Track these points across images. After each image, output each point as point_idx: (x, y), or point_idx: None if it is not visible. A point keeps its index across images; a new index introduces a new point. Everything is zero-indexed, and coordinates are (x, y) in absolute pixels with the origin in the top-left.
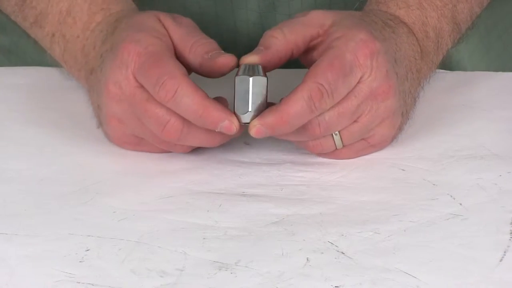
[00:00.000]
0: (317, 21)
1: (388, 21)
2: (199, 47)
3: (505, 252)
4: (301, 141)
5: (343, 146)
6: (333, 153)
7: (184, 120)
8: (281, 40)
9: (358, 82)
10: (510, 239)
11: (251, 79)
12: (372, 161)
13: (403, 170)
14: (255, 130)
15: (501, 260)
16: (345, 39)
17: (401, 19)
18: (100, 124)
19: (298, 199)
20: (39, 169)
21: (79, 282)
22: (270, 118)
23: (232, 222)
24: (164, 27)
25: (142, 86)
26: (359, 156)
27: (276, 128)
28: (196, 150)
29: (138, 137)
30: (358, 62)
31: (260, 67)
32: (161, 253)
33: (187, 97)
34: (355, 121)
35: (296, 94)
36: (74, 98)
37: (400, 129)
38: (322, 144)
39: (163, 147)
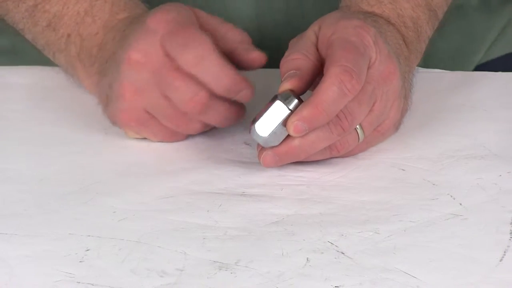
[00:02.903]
0: (312, 35)
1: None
2: (234, 34)
3: (505, 252)
4: (329, 150)
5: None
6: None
7: (210, 94)
8: (305, 59)
9: (368, 67)
10: (510, 239)
11: (277, 102)
12: (372, 161)
13: (403, 170)
14: (293, 127)
15: (501, 260)
16: (341, 30)
17: (375, 14)
18: (107, 104)
19: (298, 199)
20: (39, 169)
21: (79, 282)
22: (305, 111)
23: (232, 222)
24: (193, 11)
25: (169, 55)
26: (368, 148)
27: (313, 120)
28: (196, 150)
29: (147, 115)
30: (365, 43)
31: (296, 102)
32: (161, 253)
33: (214, 62)
34: (370, 110)
35: (325, 82)
36: (74, 98)
37: (402, 113)
38: (348, 141)
39: (172, 124)
